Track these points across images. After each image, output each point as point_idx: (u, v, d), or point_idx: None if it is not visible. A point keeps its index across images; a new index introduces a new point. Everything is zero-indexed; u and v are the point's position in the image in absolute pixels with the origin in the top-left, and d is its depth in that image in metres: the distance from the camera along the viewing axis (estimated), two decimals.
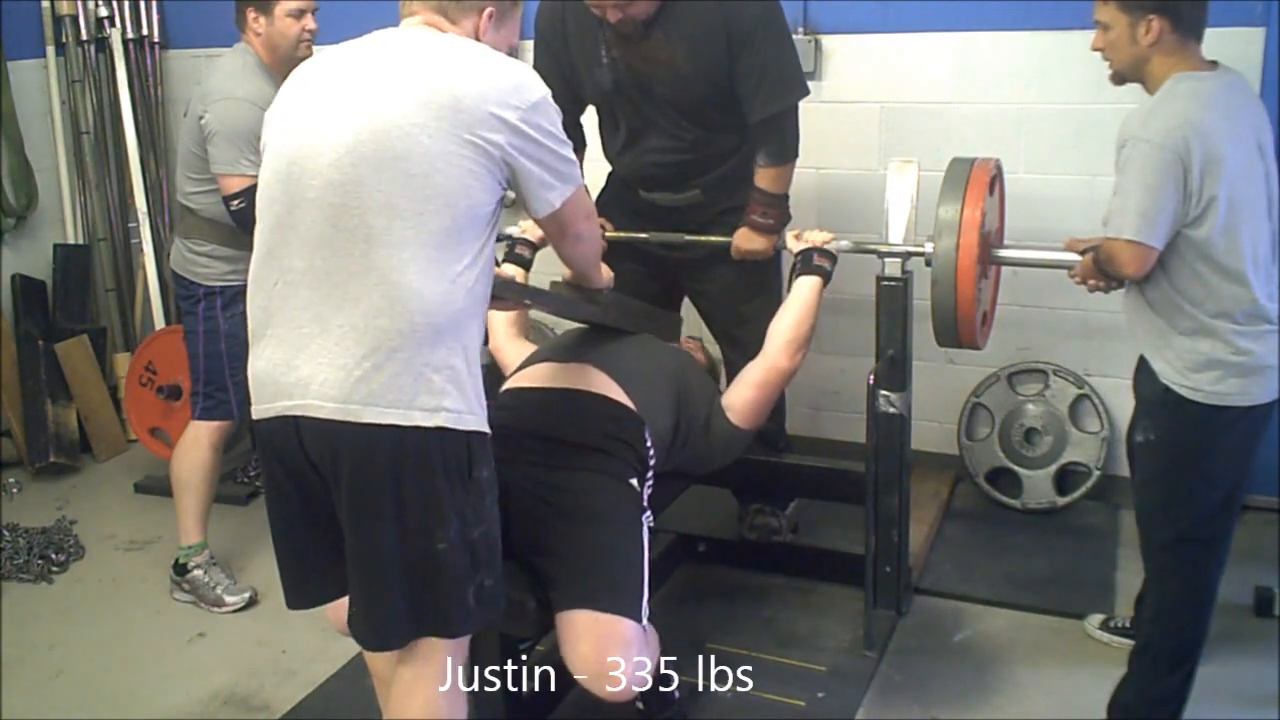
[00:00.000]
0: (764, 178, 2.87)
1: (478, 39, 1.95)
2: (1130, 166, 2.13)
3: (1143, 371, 2.31)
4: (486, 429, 1.88)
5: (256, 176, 2.89)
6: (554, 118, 1.89)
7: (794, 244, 2.82)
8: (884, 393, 2.71)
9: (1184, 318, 2.19)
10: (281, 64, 3.03)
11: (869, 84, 3.55)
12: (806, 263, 2.73)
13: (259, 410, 1.87)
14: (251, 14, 3.02)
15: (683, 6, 2.71)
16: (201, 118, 3.00)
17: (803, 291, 2.68)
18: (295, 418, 1.81)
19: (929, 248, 2.56)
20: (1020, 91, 3.40)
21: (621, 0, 2.62)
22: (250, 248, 3.06)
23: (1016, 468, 3.58)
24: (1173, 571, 2.33)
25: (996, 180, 2.67)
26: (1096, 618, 2.88)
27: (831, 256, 2.75)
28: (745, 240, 2.90)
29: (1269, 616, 2.88)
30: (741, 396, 2.59)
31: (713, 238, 2.94)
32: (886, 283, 2.71)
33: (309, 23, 3.06)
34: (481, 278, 1.86)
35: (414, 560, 1.82)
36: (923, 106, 3.52)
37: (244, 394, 3.10)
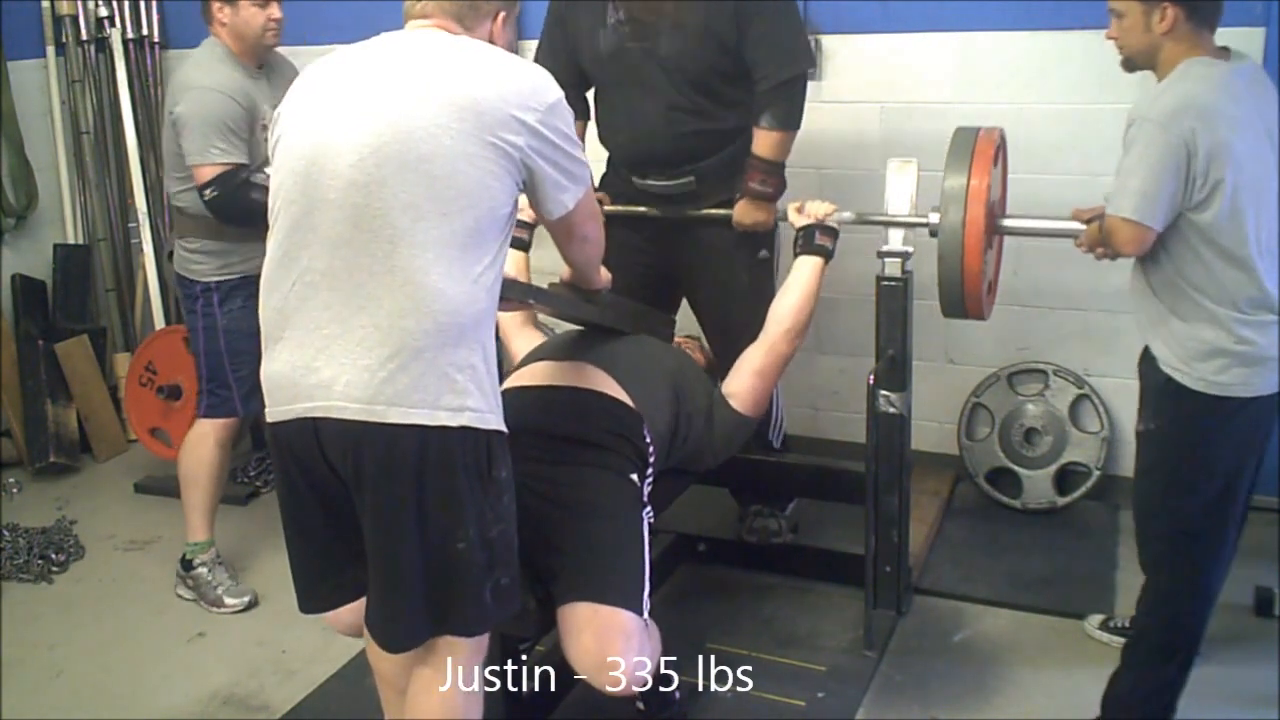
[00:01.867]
0: (765, 142, 2.84)
1: (491, 43, 1.97)
2: (1135, 146, 2.13)
3: (1146, 361, 2.30)
4: (504, 428, 1.89)
5: (228, 164, 2.88)
6: (569, 119, 1.92)
7: (795, 217, 2.77)
8: (884, 393, 2.71)
9: (1187, 303, 2.18)
10: (249, 53, 3.04)
11: (869, 84, 3.55)
12: (808, 241, 2.70)
13: (275, 413, 1.87)
14: (216, 5, 3.01)
15: None
16: (172, 112, 3.00)
17: (804, 273, 2.66)
18: (315, 420, 1.80)
19: (934, 219, 2.55)
20: (1020, 91, 3.40)
21: None
22: (235, 239, 3.06)
23: (1016, 468, 3.58)
24: (1166, 564, 2.32)
25: (1001, 150, 2.66)
26: (1096, 618, 2.88)
27: (834, 233, 2.72)
28: (745, 213, 2.89)
29: (1269, 616, 2.88)
30: (743, 384, 2.60)
31: (713, 210, 2.91)
32: (886, 283, 2.71)
33: (274, 11, 3.04)
34: (498, 279, 1.88)
35: (434, 560, 1.83)
36: (923, 106, 3.52)
37: (246, 390, 3.12)
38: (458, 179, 1.78)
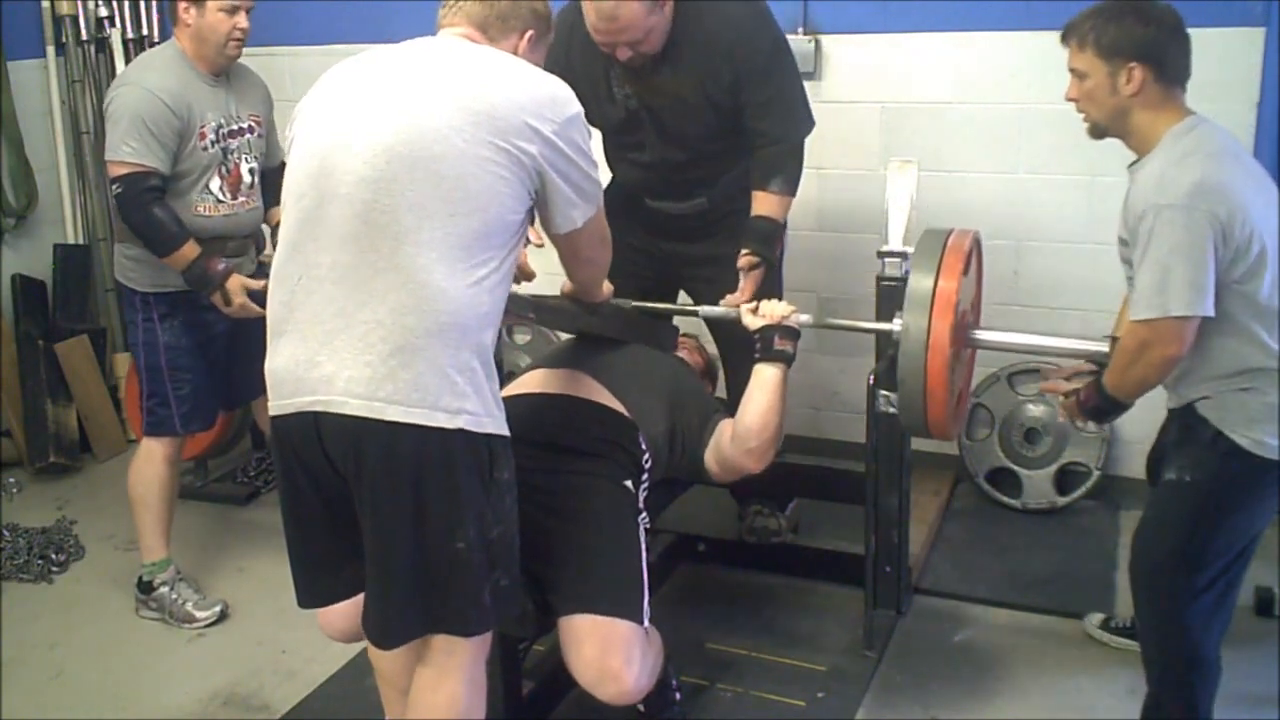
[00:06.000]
0: (777, 206, 2.79)
1: None
2: (1160, 237, 1.97)
3: (1187, 409, 2.15)
4: (506, 432, 1.89)
5: (138, 165, 2.83)
6: (586, 135, 1.92)
7: (751, 319, 2.50)
8: (884, 393, 2.70)
9: (1232, 366, 2.06)
10: (208, 59, 2.97)
11: (869, 84, 3.55)
12: (767, 347, 2.44)
13: (277, 406, 1.87)
14: (182, 4, 2.94)
15: (689, 39, 2.68)
16: (105, 107, 2.96)
17: (765, 385, 2.41)
18: (316, 414, 1.81)
19: (897, 325, 2.38)
20: (1020, 91, 3.40)
21: (634, 39, 2.58)
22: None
23: (1016, 468, 3.58)
24: (1175, 629, 2.20)
25: (974, 254, 2.48)
26: (1097, 616, 2.88)
27: (794, 335, 2.46)
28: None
29: (1269, 616, 2.88)
30: (715, 466, 2.49)
31: (717, 309, 2.72)
32: (886, 283, 2.71)
33: (241, 20, 2.96)
34: (503, 284, 1.88)
35: (432, 559, 1.83)
36: (923, 106, 3.52)
37: (187, 409, 3.07)
38: (467, 181, 1.79)
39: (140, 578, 3.15)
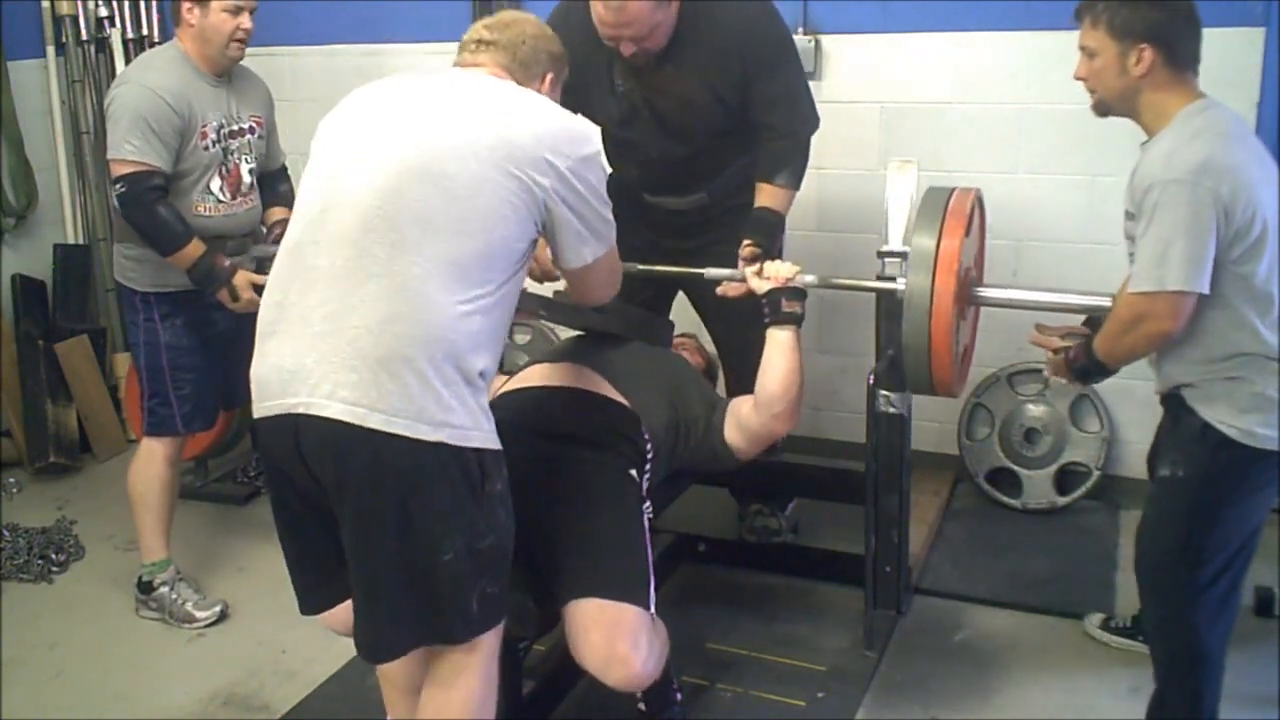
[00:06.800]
0: (781, 199, 2.80)
1: None
2: (1163, 211, 1.98)
3: (1175, 401, 2.16)
4: (497, 445, 1.88)
5: (140, 164, 2.82)
6: (601, 175, 1.94)
7: (757, 284, 2.53)
8: (884, 393, 2.70)
9: (1231, 357, 2.06)
10: (211, 60, 2.96)
11: (869, 84, 3.55)
12: (775, 309, 2.48)
13: (260, 409, 1.86)
14: (186, 5, 2.92)
15: (695, 37, 2.69)
16: (106, 106, 2.95)
17: (780, 348, 2.46)
18: (295, 417, 1.79)
19: (901, 284, 2.42)
20: (1020, 91, 3.41)
21: (639, 34, 2.59)
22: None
23: (1016, 468, 3.58)
24: (1180, 627, 2.20)
25: (976, 212, 2.51)
26: (1096, 617, 2.88)
27: (801, 295, 2.50)
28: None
29: (1269, 616, 2.88)
30: (741, 441, 2.53)
31: (724, 275, 2.75)
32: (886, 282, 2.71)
33: (245, 21, 2.94)
34: (499, 309, 1.87)
35: (418, 572, 1.82)
36: (923, 106, 3.52)
37: (189, 409, 3.07)
38: (477, 201, 1.80)
39: (140, 578, 3.15)
